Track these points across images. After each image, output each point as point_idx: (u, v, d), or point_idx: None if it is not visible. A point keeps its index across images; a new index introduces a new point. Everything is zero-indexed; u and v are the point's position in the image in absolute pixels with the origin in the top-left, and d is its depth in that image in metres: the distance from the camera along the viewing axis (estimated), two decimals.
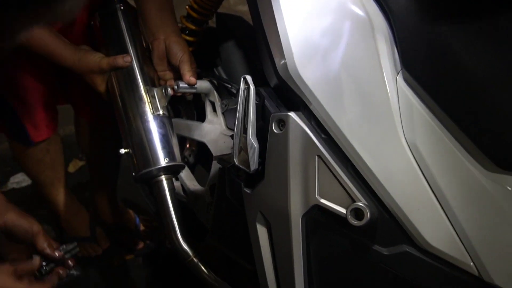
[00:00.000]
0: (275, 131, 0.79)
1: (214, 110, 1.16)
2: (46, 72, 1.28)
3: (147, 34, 1.12)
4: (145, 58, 1.13)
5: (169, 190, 1.06)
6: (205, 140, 1.16)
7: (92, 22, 1.19)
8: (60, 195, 1.59)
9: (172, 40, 1.07)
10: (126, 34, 1.12)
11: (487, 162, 0.65)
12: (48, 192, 1.57)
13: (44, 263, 0.92)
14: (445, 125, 0.69)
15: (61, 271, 0.93)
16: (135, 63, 1.10)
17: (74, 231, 1.65)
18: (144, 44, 1.15)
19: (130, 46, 1.11)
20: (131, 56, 1.09)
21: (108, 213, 1.77)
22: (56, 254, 0.92)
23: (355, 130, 0.73)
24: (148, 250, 1.70)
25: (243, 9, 2.18)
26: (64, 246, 0.95)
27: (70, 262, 0.95)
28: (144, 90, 1.09)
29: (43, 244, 0.91)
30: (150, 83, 1.11)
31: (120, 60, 1.06)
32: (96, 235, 1.66)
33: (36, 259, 0.90)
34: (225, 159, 0.97)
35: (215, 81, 1.15)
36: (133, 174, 1.08)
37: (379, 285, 0.74)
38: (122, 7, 1.15)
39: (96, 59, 1.07)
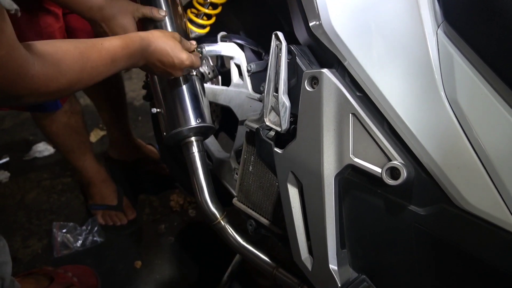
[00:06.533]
0: (307, 89, 0.77)
1: (240, 73, 1.14)
2: (59, 27, 1.27)
3: None
4: (178, 20, 1.10)
5: (199, 152, 1.05)
6: (231, 105, 1.15)
7: None
8: (87, 160, 1.62)
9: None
10: None
11: None
12: (75, 158, 1.59)
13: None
14: (488, 80, 0.65)
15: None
16: (168, 22, 1.07)
17: (102, 199, 1.67)
18: (179, 8, 1.12)
19: (164, 4, 1.08)
20: (165, 12, 1.06)
21: (127, 151, 1.84)
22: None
23: (392, 86, 0.71)
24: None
25: None
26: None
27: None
28: None
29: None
30: None
31: (155, 11, 1.04)
32: (123, 204, 1.68)
33: (193, 43, 1.04)
34: (253, 121, 0.94)
35: (240, 44, 1.13)
36: (164, 134, 1.07)
37: (414, 246, 0.72)
38: None
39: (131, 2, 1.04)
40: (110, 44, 0.84)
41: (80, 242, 1.59)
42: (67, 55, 0.76)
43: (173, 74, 0.98)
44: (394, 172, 0.70)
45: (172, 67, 0.95)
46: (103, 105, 1.73)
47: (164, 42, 0.93)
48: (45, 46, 0.74)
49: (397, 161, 0.70)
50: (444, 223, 0.69)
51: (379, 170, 0.71)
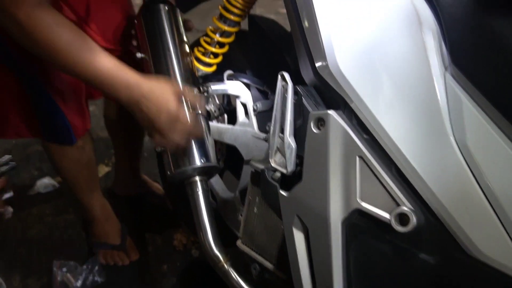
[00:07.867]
0: (314, 130, 0.75)
1: (246, 112, 1.13)
2: None
3: None
4: (185, 58, 1.11)
5: (203, 192, 1.03)
6: (236, 144, 1.14)
7: (136, 21, 1.18)
8: (94, 198, 1.60)
9: None
10: (168, 33, 1.10)
11: None
12: (83, 194, 1.57)
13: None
14: (497, 124, 0.64)
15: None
16: (174, 61, 1.08)
17: (105, 237, 1.64)
18: (186, 46, 1.13)
19: (171, 44, 1.09)
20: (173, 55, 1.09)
21: (132, 187, 1.86)
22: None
23: (400, 130, 0.69)
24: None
25: None
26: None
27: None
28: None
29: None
30: (189, 82, 1.09)
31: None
32: (126, 244, 1.64)
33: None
34: (258, 162, 0.93)
35: (247, 83, 1.13)
36: (168, 173, 1.05)
37: None
38: (166, 7, 1.14)
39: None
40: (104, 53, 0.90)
41: (80, 281, 1.55)
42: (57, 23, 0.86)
43: (157, 129, 0.96)
44: (403, 218, 0.68)
45: (166, 114, 0.94)
46: (121, 141, 1.74)
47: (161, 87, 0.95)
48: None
49: (406, 207, 0.68)
50: (455, 272, 0.66)
51: (387, 215, 0.69)
